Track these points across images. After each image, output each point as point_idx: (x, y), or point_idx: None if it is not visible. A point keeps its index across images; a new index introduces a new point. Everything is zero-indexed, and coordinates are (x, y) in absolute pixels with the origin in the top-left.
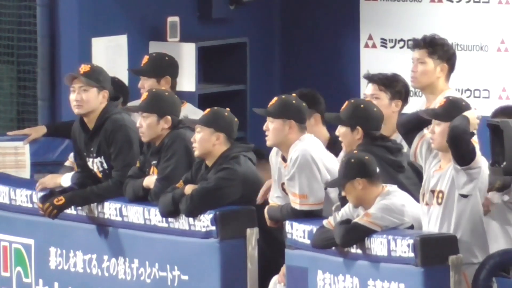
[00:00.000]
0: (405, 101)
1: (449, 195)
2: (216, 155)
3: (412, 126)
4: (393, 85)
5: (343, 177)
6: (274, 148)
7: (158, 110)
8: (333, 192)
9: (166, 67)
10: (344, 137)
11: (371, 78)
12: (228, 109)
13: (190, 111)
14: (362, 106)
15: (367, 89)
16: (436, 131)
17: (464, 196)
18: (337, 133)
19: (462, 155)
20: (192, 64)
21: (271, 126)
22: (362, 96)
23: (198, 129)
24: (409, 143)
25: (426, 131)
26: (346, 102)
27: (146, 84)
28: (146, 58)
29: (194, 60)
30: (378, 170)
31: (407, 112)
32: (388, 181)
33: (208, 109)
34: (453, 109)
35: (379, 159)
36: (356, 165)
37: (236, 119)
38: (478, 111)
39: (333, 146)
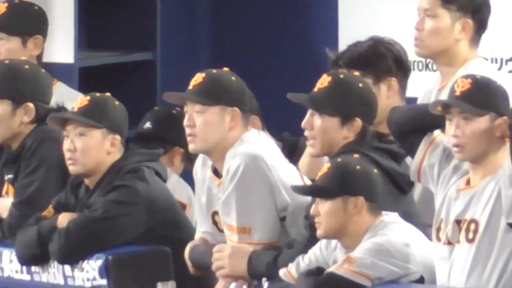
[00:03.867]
0: (402, 77)
1: (489, 225)
2: (103, 169)
3: (416, 125)
4: (371, 64)
5: (336, 188)
6: (199, 156)
7: (13, 94)
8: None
9: (36, 22)
10: (326, 132)
11: (336, 63)
12: (108, 94)
13: (64, 95)
14: (360, 85)
15: None
16: (466, 131)
17: None
18: (305, 125)
19: None
20: (69, 19)
21: (200, 119)
22: None
23: (78, 130)
24: (409, 151)
25: (437, 132)
26: (327, 77)
27: (3, 48)
28: (2, 7)
29: (73, 13)
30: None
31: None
32: (388, 207)
33: (87, 96)
34: (488, 95)
35: (381, 172)
36: (363, 176)
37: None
38: None
39: None
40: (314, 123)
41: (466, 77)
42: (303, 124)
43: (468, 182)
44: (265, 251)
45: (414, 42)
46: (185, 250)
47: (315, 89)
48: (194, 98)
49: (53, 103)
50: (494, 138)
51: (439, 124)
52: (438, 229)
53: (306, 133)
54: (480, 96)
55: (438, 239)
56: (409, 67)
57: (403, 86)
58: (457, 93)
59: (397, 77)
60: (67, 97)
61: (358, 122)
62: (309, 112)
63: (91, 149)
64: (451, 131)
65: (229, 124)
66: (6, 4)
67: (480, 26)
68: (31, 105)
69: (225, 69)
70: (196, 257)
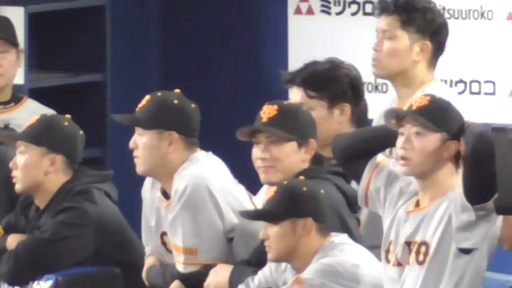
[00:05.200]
0: (355, 103)
1: (439, 248)
2: (52, 190)
3: (359, 149)
4: (329, 86)
5: (283, 211)
6: (148, 178)
7: None
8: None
9: (14, 34)
10: (286, 157)
11: (292, 80)
12: (68, 116)
13: (34, 111)
14: (303, 109)
15: (293, 95)
16: (415, 144)
17: (466, 251)
18: (264, 154)
19: (482, 184)
20: (19, 41)
21: (141, 142)
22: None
23: (20, 148)
24: (354, 176)
25: (381, 156)
26: (271, 106)
27: (7, 59)
28: None
29: (23, 34)
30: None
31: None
32: (338, 228)
33: (37, 116)
34: (443, 115)
35: (342, 196)
36: (310, 197)
37: (81, 131)
38: (475, 117)
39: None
40: (272, 152)
41: (426, 95)
42: (260, 154)
43: (417, 204)
44: (246, 267)
45: (372, 63)
46: (143, 271)
47: (264, 120)
48: (134, 121)
49: (21, 120)
50: (441, 159)
51: (383, 146)
52: (387, 251)
53: (260, 163)
54: (436, 114)
55: (387, 261)
56: (363, 94)
57: (354, 113)
58: (414, 108)
59: (350, 103)
60: (38, 112)
61: (313, 144)
62: (263, 142)
63: (27, 167)
64: (400, 143)
65: (167, 148)
66: None
67: (438, 48)
68: None
69: (176, 90)
70: (153, 278)
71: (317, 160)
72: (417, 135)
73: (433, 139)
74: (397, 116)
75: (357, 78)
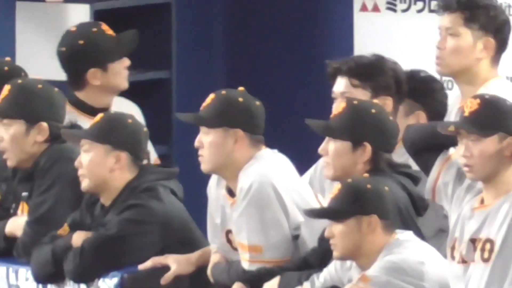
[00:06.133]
0: (397, 99)
1: (505, 245)
2: (118, 187)
3: (431, 143)
4: (374, 76)
5: (348, 208)
6: (213, 176)
7: (26, 113)
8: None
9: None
10: (338, 156)
11: (338, 69)
12: (135, 109)
13: (118, 106)
14: (373, 111)
15: (336, 85)
16: (474, 152)
17: None
18: (322, 151)
19: None
20: None
21: (206, 140)
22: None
23: (85, 147)
24: (424, 168)
25: (453, 150)
26: (342, 103)
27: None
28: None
29: None
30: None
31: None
32: (404, 228)
33: (100, 115)
34: (496, 114)
35: (407, 196)
36: (375, 194)
37: (145, 128)
38: None
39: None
40: (328, 149)
41: (475, 97)
42: (320, 150)
43: (482, 201)
44: (292, 273)
45: (436, 61)
46: (208, 268)
47: (331, 116)
48: (199, 120)
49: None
50: (504, 158)
51: (454, 142)
52: (453, 248)
53: (323, 158)
54: (488, 116)
55: (453, 258)
56: (406, 91)
57: (396, 110)
58: (466, 114)
59: (393, 97)
60: (122, 107)
61: (368, 148)
62: (326, 138)
63: (92, 165)
64: (461, 151)
65: (232, 146)
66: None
67: (501, 45)
68: (44, 124)
69: (240, 88)
70: (218, 275)
71: (375, 164)
72: (474, 141)
73: (491, 142)
74: (450, 128)
75: (401, 74)
